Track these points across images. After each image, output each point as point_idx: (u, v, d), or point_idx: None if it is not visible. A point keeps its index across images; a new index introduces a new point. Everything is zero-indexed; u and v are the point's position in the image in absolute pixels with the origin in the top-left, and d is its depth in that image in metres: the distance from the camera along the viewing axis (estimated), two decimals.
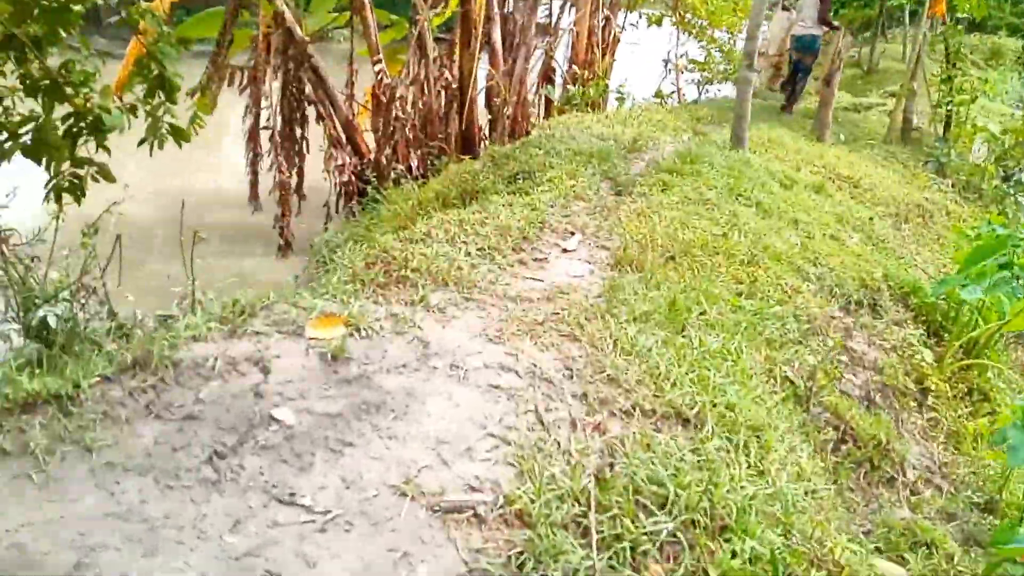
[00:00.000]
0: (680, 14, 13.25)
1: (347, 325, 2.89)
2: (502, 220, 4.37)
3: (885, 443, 3.39)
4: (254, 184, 8.09)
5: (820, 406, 3.42)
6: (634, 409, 2.63)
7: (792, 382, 3.45)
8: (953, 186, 10.33)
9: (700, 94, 12.62)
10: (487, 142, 9.40)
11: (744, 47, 7.19)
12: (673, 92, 12.61)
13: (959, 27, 10.95)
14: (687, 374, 2.91)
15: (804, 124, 10.98)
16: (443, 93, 8.83)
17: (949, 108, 11.00)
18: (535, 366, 2.80)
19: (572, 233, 4.48)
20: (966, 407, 4.42)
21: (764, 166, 6.84)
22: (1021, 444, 3.16)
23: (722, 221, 5.02)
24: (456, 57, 8.85)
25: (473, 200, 5.69)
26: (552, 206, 4.85)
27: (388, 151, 8.13)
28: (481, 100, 9.31)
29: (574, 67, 10.96)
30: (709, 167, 6.10)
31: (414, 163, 8.33)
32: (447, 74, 8.72)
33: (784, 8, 11.79)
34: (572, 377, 2.77)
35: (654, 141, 7.12)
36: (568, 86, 10.44)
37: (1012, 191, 10.76)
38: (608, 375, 2.80)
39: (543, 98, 10.42)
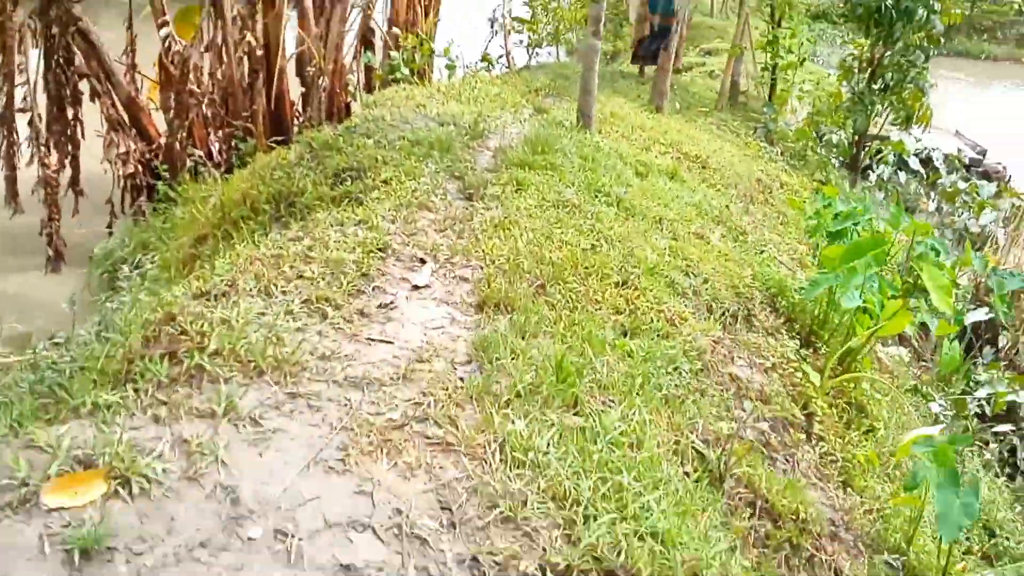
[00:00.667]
0: None
1: (109, 479, 1.92)
2: (332, 251, 3.45)
3: (803, 517, 2.93)
4: (11, 180, 6.47)
5: (734, 479, 2.90)
6: (544, 572, 1.91)
7: (702, 455, 2.89)
8: (782, 154, 10.51)
9: (530, 57, 11.97)
10: (301, 121, 8.22)
11: (590, 11, 6.53)
12: (501, 56, 11.86)
13: None
14: (597, 490, 2.23)
15: (638, 90, 10.70)
16: (246, 61, 7.53)
17: (774, 71, 11.14)
18: (399, 512, 2.00)
19: (422, 261, 3.65)
20: (847, 426, 4.15)
21: (615, 150, 6.31)
22: (949, 511, 2.81)
23: (586, 228, 4.40)
24: (260, 18, 7.54)
25: (290, 208, 4.68)
26: (393, 222, 3.98)
27: (182, 134, 6.78)
28: (292, 70, 8.08)
29: (395, 29, 9.89)
30: (562, 157, 5.45)
31: (215, 148, 7.06)
32: (250, 38, 7.41)
33: None
34: (453, 526, 2.00)
35: (496, 122, 6.35)
36: (390, 52, 9.39)
37: (824, 153, 11.16)
38: (500, 512, 2.06)
39: (363, 66, 9.31)
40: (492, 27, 11.81)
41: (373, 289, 3.27)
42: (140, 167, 6.74)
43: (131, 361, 2.52)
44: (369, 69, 9.36)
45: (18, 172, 6.40)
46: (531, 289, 3.52)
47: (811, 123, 11.63)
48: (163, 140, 6.87)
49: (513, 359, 2.85)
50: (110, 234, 6.41)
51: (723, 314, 4.32)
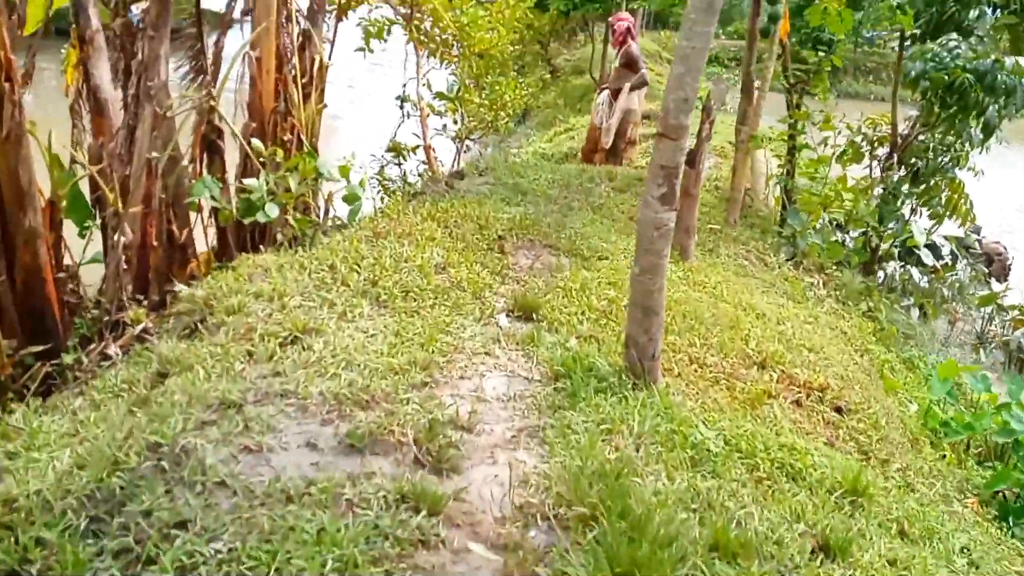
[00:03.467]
0: (415, 25, 9.03)
1: None
2: None
3: None
4: None
5: None
6: None
7: None
8: (824, 286, 7.55)
9: (458, 153, 8.56)
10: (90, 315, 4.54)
11: (669, 106, 3.18)
12: (418, 147, 8.41)
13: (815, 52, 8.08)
14: None
15: (615, 201, 7.48)
16: None
17: (792, 165, 8.24)
18: None
19: None
20: None
21: (709, 440, 3.00)
22: None
23: None
24: None
25: None
26: None
27: None
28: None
29: (252, 124, 6.29)
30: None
31: None
32: None
33: None
34: None
35: (462, 406, 2.94)
36: (250, 168, 5.79)
37: (866, 280, 8.32)
38: None
39: (206, 211, 5.67)
40: (402, 108, 8.37)
41: None
42: None
43: None
44: (217, 216, 5.67)
45: None
46: None
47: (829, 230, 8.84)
48: None
49: None
50: None
51: None
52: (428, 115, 8.18)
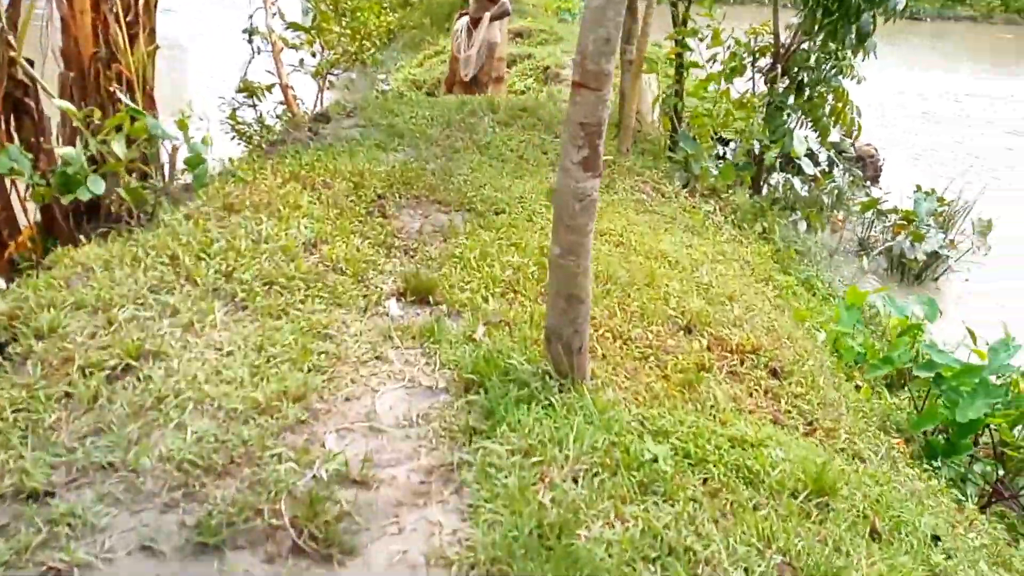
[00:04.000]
0: None
1: None
2: None
3: None
4: None
5: None
6: None
7: None
8: (720, 211, 7.25)
9: (321, 90, 7.51)
10: None
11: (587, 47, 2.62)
12: (273, 85, 7.35)
13: None
14: None
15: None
16: None
17: (680, 86, 7.80)
18: None
19: None
20: None
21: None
22: None
23: None
24: None
25: None
26: None
27: None
28: None
29: (70, 74, 5.18)
30: None
31: None
32: None
33: None
34: None
35: (352, 404, 2.33)
36: (68, 133, 4.74)
37: (758, 200, 8.12)
38: None
39: (21, 184, 4.59)
40: (251, 43, 7.23)
41: None
42: None
43: None
44: (7, 208, 4.59)
45: None
46: None
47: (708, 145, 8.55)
48: None
49: None
50: None
51: None
52: (282, 49, 7.12)
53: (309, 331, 2.91)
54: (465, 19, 8.49)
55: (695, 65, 7.70)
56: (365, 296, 3.33)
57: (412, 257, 3.88)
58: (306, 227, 3.78)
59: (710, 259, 5.06)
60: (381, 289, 3.42)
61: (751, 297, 4.50)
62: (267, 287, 3.20)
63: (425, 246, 4.01)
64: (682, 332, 3.55)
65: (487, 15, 8.21)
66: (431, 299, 3.39)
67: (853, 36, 8.12)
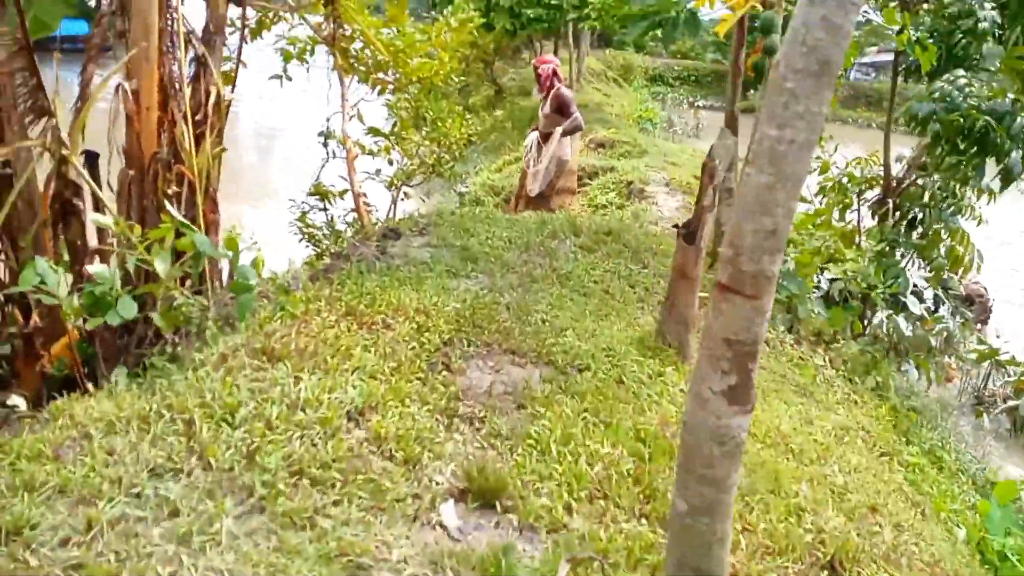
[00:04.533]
0: (340, 46, 7.55)
1: None
2: None
3: None
4: None
5: None
6: None
7: None
8: (830, 363, 6.37)
9: (395, 200, 7.08)
10: None
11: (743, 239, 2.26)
12: (346, 191, 6.96)
13: None
14: None
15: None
16: None
17: None
18: None
19: None
20: None
21: None
22: None
23: None
24: None
25: None
26: None
27: None
28: None
29: (130, 173, 4.78)
30: None
31: None
32: None
33: None
34: None
35: None
36: (112, 245, 4.30)
37: (867, 349, 7.19)
38: None
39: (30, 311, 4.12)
40: (326, 146, 6.90)
41: None
42: None
43: None
44: (52, 315, 4.11)
45: None
46: None
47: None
48: None
49: None
50: None
51: None
52: (357, 156, 6.75)
53: (339, 556, 2.20)
54: (535, 134, 8.14)
55: (802, 200, 7.01)
56: (416, 496, 2.61)
57: (478, 431, 3.17)
58: (354, 387, 3.12)
59: (834, 438, 4.20)
60: (437, 485, 2.70)
61: (894, 503, 3.60)
62: (295, 478, 2.52)
63: (494, 415, 3.29)
64: (826, 573, 2.69)
65: (558, 130, 7.86)
66: (498, 503, 2.65)
67: (983, 174, 7.34)
